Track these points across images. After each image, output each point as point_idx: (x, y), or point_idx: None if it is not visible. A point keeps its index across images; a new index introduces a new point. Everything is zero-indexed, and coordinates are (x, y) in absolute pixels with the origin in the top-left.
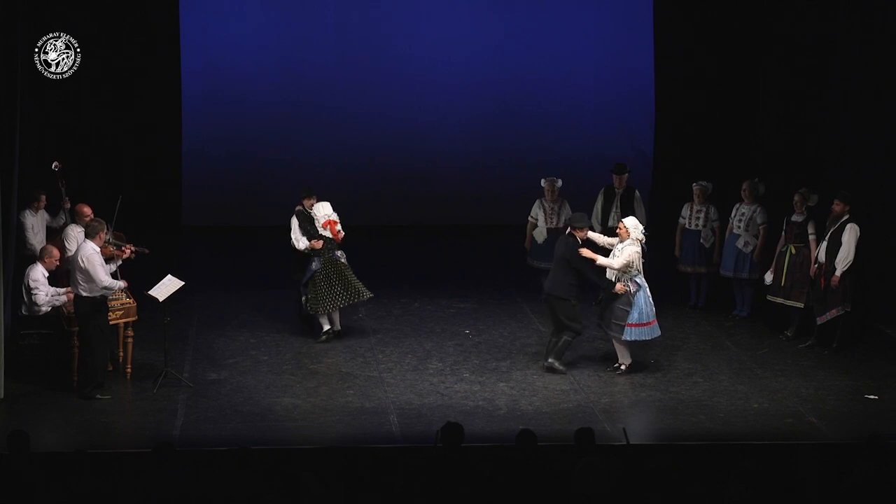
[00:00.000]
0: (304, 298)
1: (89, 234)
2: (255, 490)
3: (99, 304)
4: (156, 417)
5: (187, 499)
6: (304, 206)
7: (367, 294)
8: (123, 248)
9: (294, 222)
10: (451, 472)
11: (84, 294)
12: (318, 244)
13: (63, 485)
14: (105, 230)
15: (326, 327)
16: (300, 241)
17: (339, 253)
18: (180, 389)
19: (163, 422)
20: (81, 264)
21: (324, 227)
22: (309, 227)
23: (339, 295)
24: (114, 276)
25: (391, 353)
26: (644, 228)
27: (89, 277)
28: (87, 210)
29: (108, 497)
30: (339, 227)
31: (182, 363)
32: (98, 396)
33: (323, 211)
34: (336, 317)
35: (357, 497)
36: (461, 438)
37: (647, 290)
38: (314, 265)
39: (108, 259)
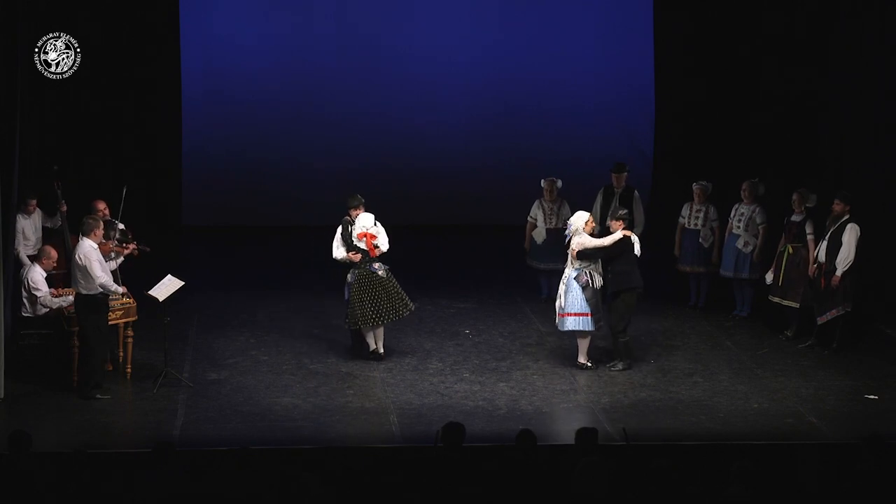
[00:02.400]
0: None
1: (85, 232)
2: (255, 490)
3: (99, 303)
4: (156, 417)
5: (187, 499)
6: (350, 216)
7: (411, 306)
8: (126, 245)
9: (338, 231)
10: (451, 472)
11: (83, 292)
12: (356, 257)
13: (63, 485)
14: (101, 227)
15: (371, 347)
16: (338, 251)
17: (376, 265)
18: (180, 389)
19: (163, 422)
20: (79, 262)
21: (359, 238)
22: (349, 238)
23: (381, 310)
24: (113, 273)
25: (391, 353)
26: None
27: (86, 274)
28: (102, 205)
29: (108, 497)
30: (376, 241)
31: (182, 363)
32: (98, 396)
33: (361, 222)
34: (379, 334)
35: (357, 497)
36: (462, 438)
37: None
38: (349, 278)
39: (108, 257)
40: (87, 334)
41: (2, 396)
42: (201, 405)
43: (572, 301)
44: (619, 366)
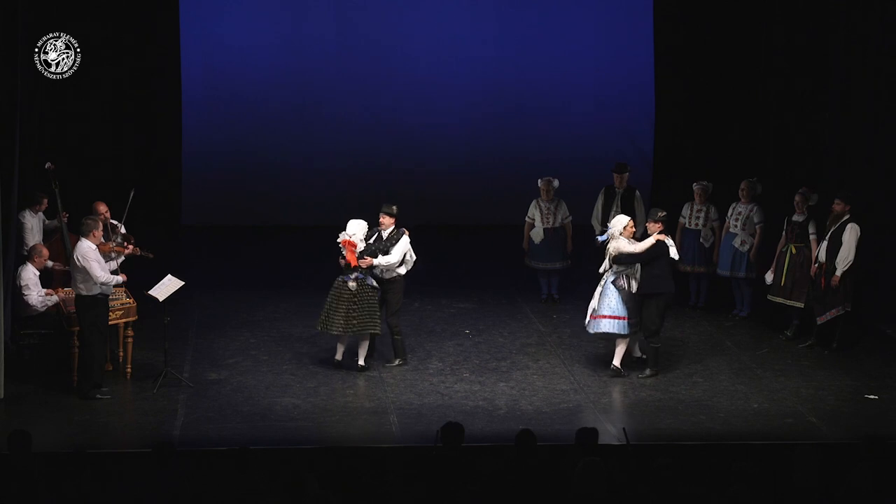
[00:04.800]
0: None
1: (84, 232)
2: (255, 490)
3: (98, 303)
4: (156, 417)
5: (187, 499)
6: (381, 223)
7: (375, 329)
8: (126, 245)
9: None
10: (451, 472)
11: (83, 293)
12: (342, 262)
13: (63, 485)
14: (100, 228)
15: (337, 357)
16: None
17: (351, 276)
18: (180, 389)
19: (163, 422)
20: (78, 263)
21: (342, 244)
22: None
23: (333, 321)
24: (114, 273)
25: (391, 353)
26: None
27: (87, 276)
28: (103, 208)
29: (108, 497)
30: (358, 250)
31: (182, 363)
32: (98, 396)
33: (349, 228)
34: (364, 347)
35: (357, 497)
36: (461, 438)
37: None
38: (335, 282)
39: (109, 257)
40: (87, 334)
41: (2, 396)
42: (201, 405)
43: (607, 303)
44: (647, 372)
